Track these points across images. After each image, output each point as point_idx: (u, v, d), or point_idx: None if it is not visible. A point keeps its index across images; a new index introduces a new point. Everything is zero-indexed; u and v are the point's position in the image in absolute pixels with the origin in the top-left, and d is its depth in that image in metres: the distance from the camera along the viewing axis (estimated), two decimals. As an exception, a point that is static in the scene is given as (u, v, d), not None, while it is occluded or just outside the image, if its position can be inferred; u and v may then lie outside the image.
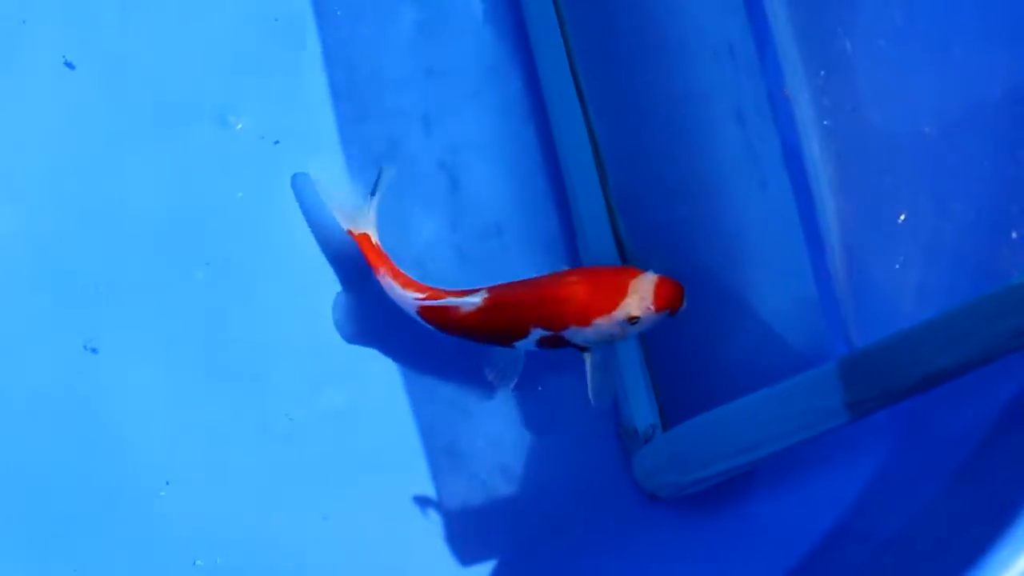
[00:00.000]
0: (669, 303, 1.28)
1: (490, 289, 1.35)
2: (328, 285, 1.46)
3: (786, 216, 1.31)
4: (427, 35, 1.52)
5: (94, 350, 1.42)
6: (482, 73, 1.52)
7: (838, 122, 1.29)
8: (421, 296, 1.36)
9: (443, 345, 1.40)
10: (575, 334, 1.32)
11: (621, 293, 1.28)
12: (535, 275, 1.36)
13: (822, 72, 1.29)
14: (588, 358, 1.35)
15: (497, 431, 1.46)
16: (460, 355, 1.42)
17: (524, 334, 1.34)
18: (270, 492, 1.42)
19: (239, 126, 1.47)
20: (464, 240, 1.49)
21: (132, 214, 1.45)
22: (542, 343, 1.35)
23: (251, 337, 1.45)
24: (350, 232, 1.40)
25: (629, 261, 1.44)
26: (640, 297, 1.28)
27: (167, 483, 1.41)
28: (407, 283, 1.38)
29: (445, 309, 1.36)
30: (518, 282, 1.36)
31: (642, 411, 1.42)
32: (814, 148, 1.30)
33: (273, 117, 1.48)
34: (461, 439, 1.45)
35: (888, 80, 1.28)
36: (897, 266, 1.25)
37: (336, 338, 1.45)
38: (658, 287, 1.28)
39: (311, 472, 1.43)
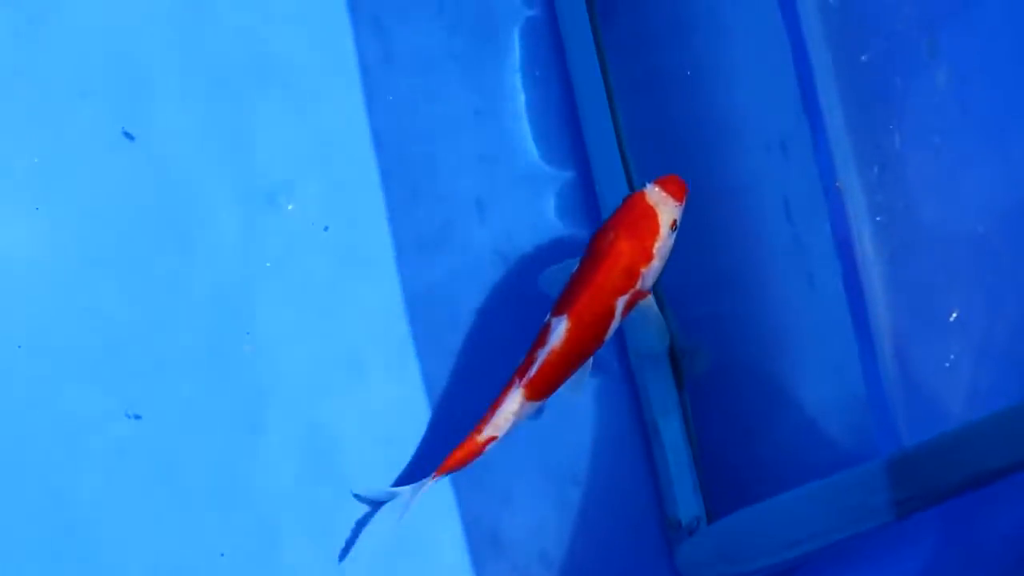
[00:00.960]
0: (683, 191, 1.36)
1: (558, 308, 1.35)
2: (370, 365, 1.46)
3: (835, 310, 1.30)
4: (482, 121, 1.54)
5: (137, 416, 1.42)
6: (536, 161, 1.53)
7: (891, 218, 1.28)
8: (519, 394, 1.34)
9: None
10: (646, 276, 1.35)
11: (652, 214, 1.35)
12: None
13: (875, 168, 1.29)
14: (648, 303, 1.38)
15: (539, 519, 1.45)
16: (505, 442, 1.41)
17: (613, 313, 1.35)
18: (313, 571, 1.42)
19: (290, 207, 1.49)
20: (520, 325, 1.49)
21: (179, 287, 1.46)
22: (624, 312, 1.36)
23: (292, 414, 1.45)
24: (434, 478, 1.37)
25: (678, 352, 1.44)
26: (665, 205, 1.35)
27: (221, 555, 1.41)
28: (496, 405, 1.35)
29: (543, 370, 1.34)
30: (572, 286, 1.35)
31: (687, 502, 1.41)
32: (866, 243, 1.29)
33: (324, 200, 1.50)
34: (503, 526, 1.44)
35: (942, 177, 1.27)
36: (947, 365, 1.23)
37: (381, 422, 1.45)
38: (667, 188, 1.36)
39: (355, 554, 1.43)
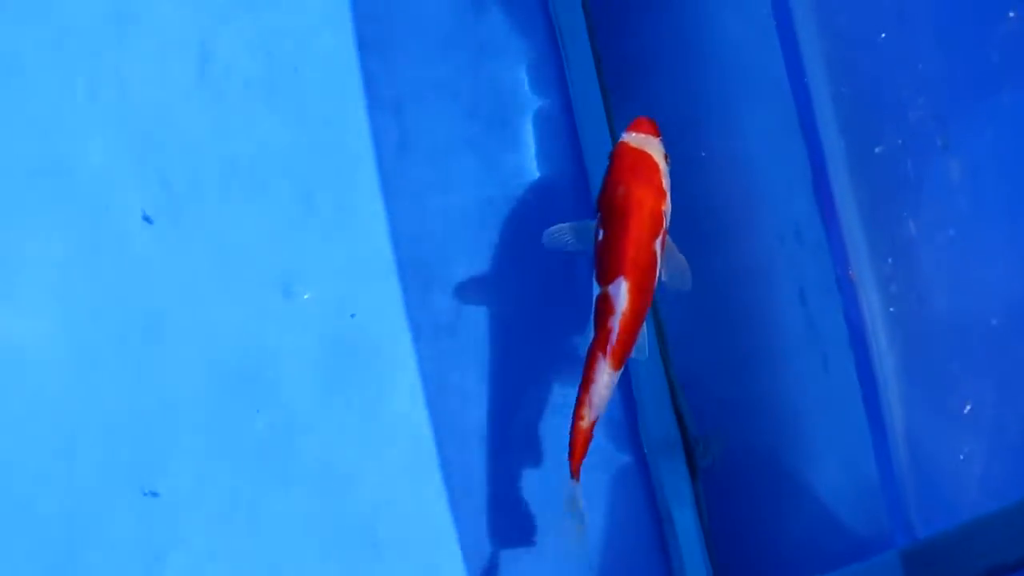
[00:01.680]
0: (655, 126, 1.40)
1: (608, 274, 1.35)
2: (387, 449, 1.46)
3: (848, 398, 1.29)
4: (496, 209, 1.54)
5: (154, 493, 1.42)
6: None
7: (904, 310, 1.28)
8: (607, 365, 1.35)
9: (487, 505, 1.39)
10: (667, 214, 1.38)
11: (645, 155, 1.38)
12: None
13: (889, 259, 1.29)
14: (670, 244, 1.39)
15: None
16: (520, 532, 1.41)
17: (656, 259, 1.37)
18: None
19: (305, 296, 1.49)
20: (535, 409, 1.49)
21: (198, 371, 1.47)
22: (661, 255, 1.38)
23: (310, 491, 1.45)
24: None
25: (692, 441, 1.44)
26: (650, 144, 1.39)
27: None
28: (588, 386, 1.36)
29: (622, 336, 1.35)
30: (611, 250, 1.36)
31: (700, 590, 1.40)
32: (879, 334, 1.29)
33: (338, 287, 1.51)
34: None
35: (956, 269, 1.27)
36: (961, 456, 1.23)
37: (401, 506, 1.46)
38: (644, 129, 1.40)
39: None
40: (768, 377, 1.39)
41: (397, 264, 1.52)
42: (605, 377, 1.35)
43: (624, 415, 1.48)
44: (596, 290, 1.36)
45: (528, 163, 1.56)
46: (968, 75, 1.21)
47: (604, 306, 1.35)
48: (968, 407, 1.23)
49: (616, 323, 1.35)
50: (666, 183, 1.38)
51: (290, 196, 1.52)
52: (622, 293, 1.35)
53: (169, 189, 1.50)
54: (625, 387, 1.48)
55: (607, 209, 1.37)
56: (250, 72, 1.53)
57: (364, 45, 1.56)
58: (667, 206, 1.37)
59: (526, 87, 1.57)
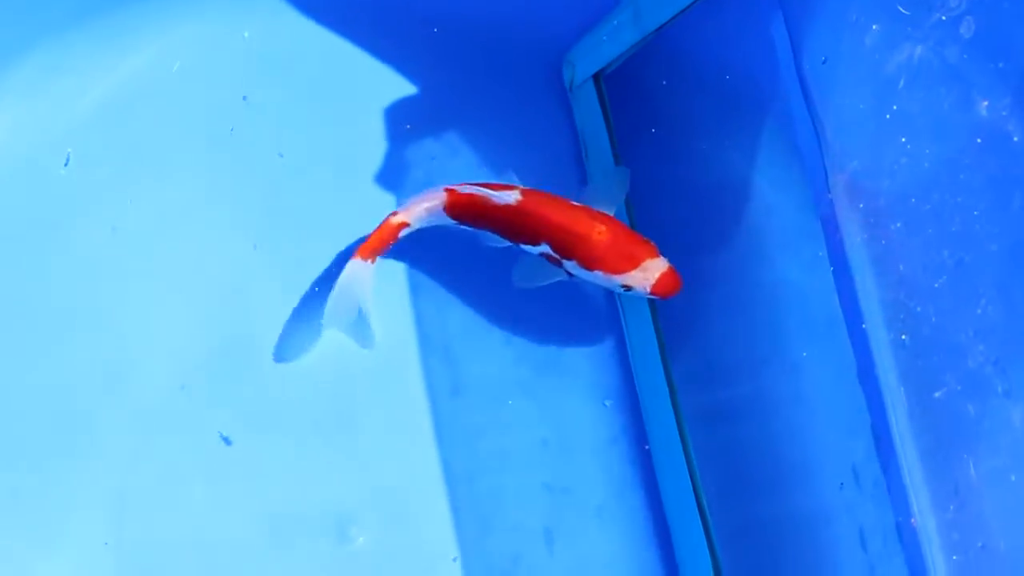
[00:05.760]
0: (664, 292, 1.39)
1: (524, 193, 1.40)
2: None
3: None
4: (550, 451, 1.54)
5: None
6: (605, 492, 1.52)
7: (968, 558, 1.27)
8: (443, 195, 1.42)
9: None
10: (573, 267, 1.42)
11: (632, 264, 1.38)
12: None
13: (951, 506, 1.28)
14: (557, 272, 1.44)
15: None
16: None
17: (535, 243, 1.42)
18: None
19: (360, 540, 1.48)
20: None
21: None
22: (543, 255, 1.43)
23: None
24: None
25: None
26: (644, 276, 1.39)
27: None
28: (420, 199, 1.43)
29: (472, 198, 1.41)
30: (553, 199, 1.41)
31: None
32: (943, 581, 1.27)
33: (394, 532, 1.49)
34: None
35: (1019, 516, 1.26)
36: None
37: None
38: (663, 276, 1.39)
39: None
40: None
41: (451, 508, 1.50)
42: (434, 202, 1.42)
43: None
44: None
45: (582, 405, 1.54)
46: (1028, 322, 1.22)
47: (502, 187, 1.42)
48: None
49: (483, 191, 1.40)
50: (598, 275, 1.40)
51: (344, 440, 1.51)
52: (512, 198, 1.40)
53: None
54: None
55: (581, 211, 1.41)
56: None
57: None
58: (580, 269, 1.40)
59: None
